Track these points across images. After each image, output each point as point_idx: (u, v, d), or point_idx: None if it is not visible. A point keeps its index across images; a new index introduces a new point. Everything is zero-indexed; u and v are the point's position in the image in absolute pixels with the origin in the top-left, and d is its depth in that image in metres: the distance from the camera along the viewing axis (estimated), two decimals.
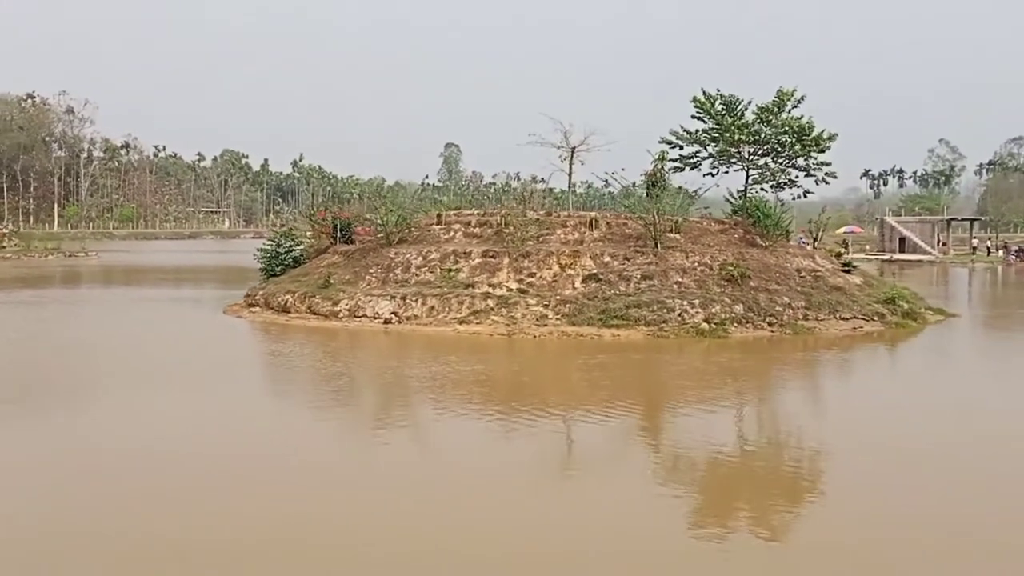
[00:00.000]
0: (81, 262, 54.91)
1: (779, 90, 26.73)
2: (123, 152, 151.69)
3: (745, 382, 16.25)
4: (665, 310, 21.67)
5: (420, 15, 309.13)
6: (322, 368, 16.81)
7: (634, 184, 30.03)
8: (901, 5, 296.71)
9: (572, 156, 28.84)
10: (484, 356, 18.14)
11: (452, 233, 25.87)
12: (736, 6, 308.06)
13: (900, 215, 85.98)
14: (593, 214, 26.70)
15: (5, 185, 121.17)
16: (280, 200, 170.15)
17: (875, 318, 23.41)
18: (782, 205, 29.10)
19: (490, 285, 22.80)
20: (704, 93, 27.30)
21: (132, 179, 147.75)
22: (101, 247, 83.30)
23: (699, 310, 21.82)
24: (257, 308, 24.31)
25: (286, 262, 27.16)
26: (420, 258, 24.25)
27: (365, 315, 22.20)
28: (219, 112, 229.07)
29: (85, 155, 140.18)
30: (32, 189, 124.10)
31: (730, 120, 26.56)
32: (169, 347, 19.43)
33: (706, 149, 28.01)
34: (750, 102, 27.10)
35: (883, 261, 68.94)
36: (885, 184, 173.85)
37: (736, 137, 26.61)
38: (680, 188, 29.08)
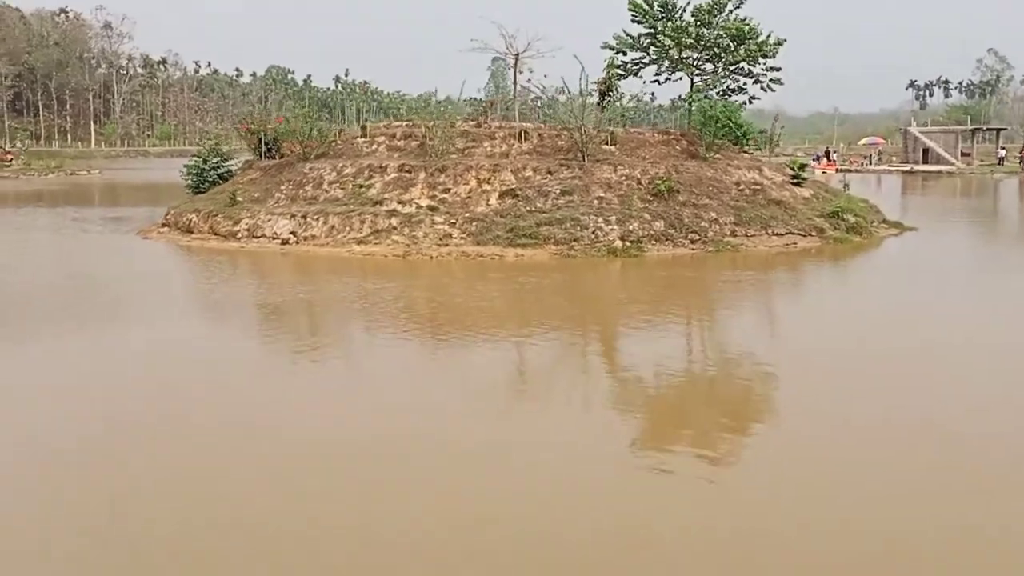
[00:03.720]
0: (78, 180, 54.28)
1: None
2: (162, 68, 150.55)
3: (590, 307, 14.71)
4: (579, 227, 19.98)
5: None
6: (144, 295, 15.66)
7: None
8: None
9: (516, 64, 26.90)
10: (348, 279, 16.80)
11: (375, 147, 24.24)
12: None
13: (927, 125, 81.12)
14: (527, 125, 24.83)
15: (41, 103, 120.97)
16: (327, 116, 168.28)
17: (813, 233, 21.61)
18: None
19: (400, 202, 21.25)
20: None
21: (171, 96, 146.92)
22: (130, 165, 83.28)
23: (615, 227, 20.11)
24: (167, 228, 23.15)
25: (211, 179, 25.77)
26: (334, 173, 22.72)
27: (264, 235, 20.90)
28: (266, 26, 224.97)
29: (124, 72, 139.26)
30: (68, 107, 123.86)
31: (667, 23, 24.01)
32: (28, 269, 18.38)
33: (648, 55, 25.59)
34: (688, 2, 24.51)
35: (904, 172, 65.55)
36: (931, 95, 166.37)
37: (672, 40, 24.09)
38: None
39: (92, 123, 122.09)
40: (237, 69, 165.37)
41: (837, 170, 59.91)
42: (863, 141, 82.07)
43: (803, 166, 25.51)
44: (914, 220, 26.59)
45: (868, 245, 21.85)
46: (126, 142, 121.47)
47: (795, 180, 24.12)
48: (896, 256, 21.12)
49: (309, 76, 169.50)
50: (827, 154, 66.71)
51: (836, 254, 20.53)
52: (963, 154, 69.95)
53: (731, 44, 24.08)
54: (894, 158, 75.85)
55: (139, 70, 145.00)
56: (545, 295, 15.68)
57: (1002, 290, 16.62)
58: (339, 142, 24.99)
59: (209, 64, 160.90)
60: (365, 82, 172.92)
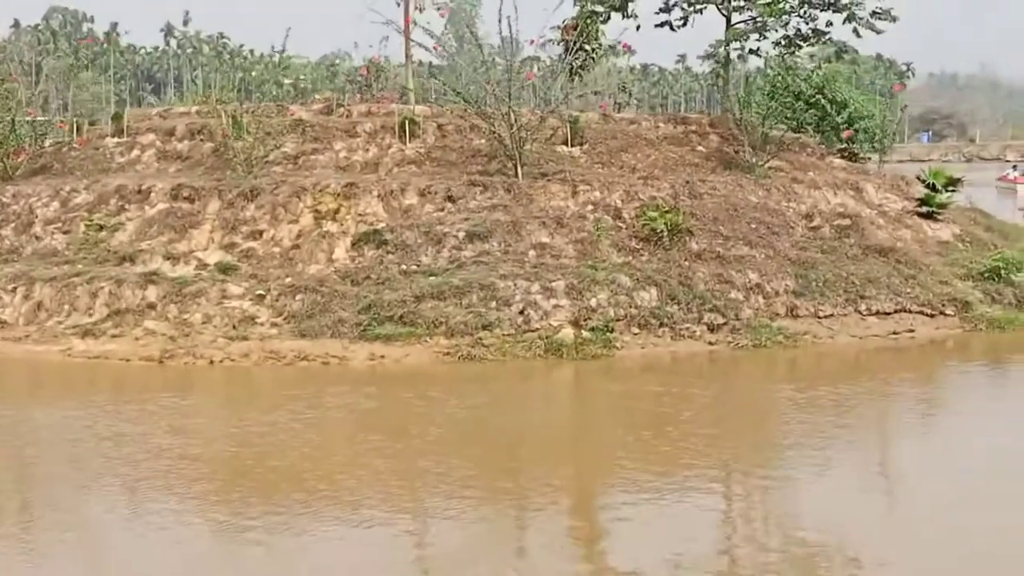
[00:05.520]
0: None
1: None
2: None
3: None
4: (494, 303, 21.16)
5: None
6: None
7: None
8: None
9: (407, 5, 28.66)
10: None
11: (139, 152, 26.03)
12: None
13: None
14: (419, 110, 26.42)
15: None
16: (152, 95, 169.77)
17: (948, 310, 22.65)
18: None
19: (168, 257, 22.71)
20: None
21: None
22: None
23: (564, 302, 21.32)
24: None
25: None
26: (55, 204, 24.33)
27: None
28: None
29: None
30: None
31: None
32: None
33: None
34: None
35: None
36: None
37: None
38: None
39: None
40: None
41: None
42: None
43: (951, 181, 26.45)
44: None
45: None
46: None
47: (925, 208, 25.27)
48: None
49: (115, 25, 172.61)
50: None
51: (991, 352, 21.41)
52: None
53: None
54: None
55: None
56: (418, 446, 15.84)
57: None
58: (74, 146, 26.62)
59: None
60: (221, 35, 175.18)
